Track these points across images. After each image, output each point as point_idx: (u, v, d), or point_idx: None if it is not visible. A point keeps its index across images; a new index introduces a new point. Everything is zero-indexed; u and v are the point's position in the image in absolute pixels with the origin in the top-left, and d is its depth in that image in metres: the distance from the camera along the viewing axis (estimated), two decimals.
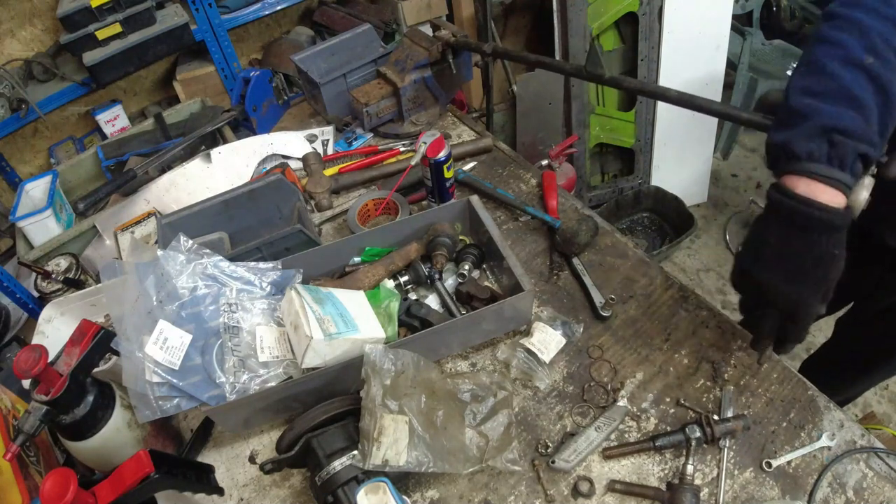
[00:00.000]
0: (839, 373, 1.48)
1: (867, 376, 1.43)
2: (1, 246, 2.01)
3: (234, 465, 1.03)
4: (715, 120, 2.64)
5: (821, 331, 2.27)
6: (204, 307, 1.06)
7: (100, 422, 0.94)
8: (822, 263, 0.71)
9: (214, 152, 1.58)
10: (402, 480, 0.94)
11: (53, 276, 1.38)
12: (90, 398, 0.92)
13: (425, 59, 1.57)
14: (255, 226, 1.38)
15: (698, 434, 0.92)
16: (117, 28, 1.84)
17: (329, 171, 1.56)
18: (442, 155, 1.28)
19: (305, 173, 1.51)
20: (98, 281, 1.38)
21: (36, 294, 1.44)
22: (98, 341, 0.93)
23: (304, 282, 1.14)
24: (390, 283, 1.19)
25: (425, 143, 1.29)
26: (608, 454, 0.95)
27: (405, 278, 1.21)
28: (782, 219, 0.72)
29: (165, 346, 0.99)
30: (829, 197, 0.69)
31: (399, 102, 1.63)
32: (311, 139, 1.73)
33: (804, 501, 0.88)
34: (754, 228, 0.77)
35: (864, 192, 0.72)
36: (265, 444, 1.05)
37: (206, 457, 1.04)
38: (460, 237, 1.27)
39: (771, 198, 0.74)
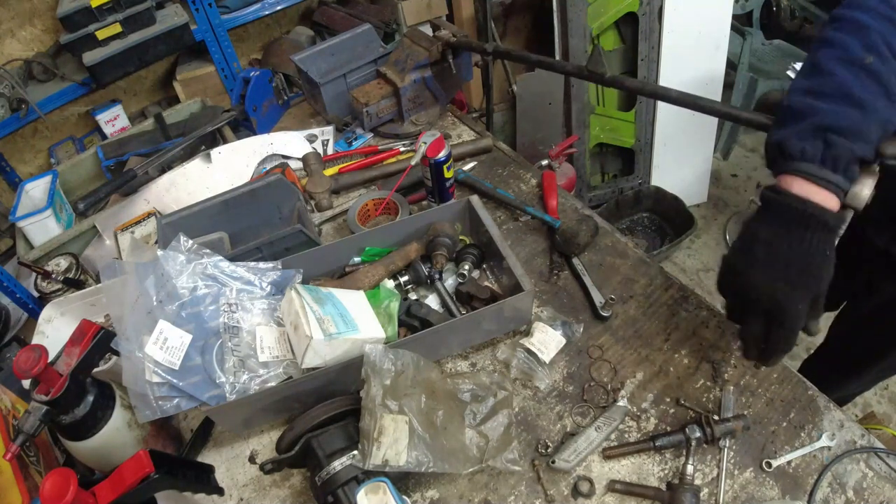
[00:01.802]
0: (833, 371, 1.49)
1: (858, 375, 1.45)
2: (1, 246, 2.01)
3: (234, 465, 1.03)
4: (715, 120, 2.64)
5: (821, 331, 2.27)
6: (204, 307, 1.06)
7: (100, 422, 0.94)
8: (812, 263, 0.69)
9: (214, 152, 1.58)
10: (402, 480, 0.94)
11: (53, 276, 1.38)
12: (90, 398, 0.92)
13: (425, 59, 1.57)
14: (255, 226, 1.38)
15: (698, 434, 0.92)
16: (117, 28, 1.84)
17: (329, 171, 1.56)
18: (442, 155, 1.28)
19: (305, 173, 1.51)
20: (98, 281, 1.38)
21: (36, 294, 1.44)
22: (98, 341, 0.93)
23: (304, 282, 1.14)
24: (390, 283, 1.19)
25: (425, 143, 1.29)
26: (608, 454, 0.95)
27: (405, 278, 1.21)
28: (775, 216, 0.72)
29: (165, 346, 0.99)
30: (823, 198, 0.69)
31: (399, 102, 1.63)
32: (311, 139, 1.73)
33: (804, 501, 0.88)
34: (746, 227, 0.76)
35: (866, 189, 0.71)
36: (265, 444, 1.05)
37: (206, 457, 1.04)
38: (460, 237, 1.27)
39: (764, 196, 0.74)
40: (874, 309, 1.27)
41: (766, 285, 0.72)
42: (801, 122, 0.71)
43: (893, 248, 1.10)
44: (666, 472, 0.93)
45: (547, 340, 1.08)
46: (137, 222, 1.46)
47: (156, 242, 1.32)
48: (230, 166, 1.59)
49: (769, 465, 0.92)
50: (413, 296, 1.22)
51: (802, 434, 0.96)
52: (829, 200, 0.69)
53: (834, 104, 0.70)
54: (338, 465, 0.84)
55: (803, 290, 0.70)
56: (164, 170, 1.65)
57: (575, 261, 1.25)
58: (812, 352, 1.70)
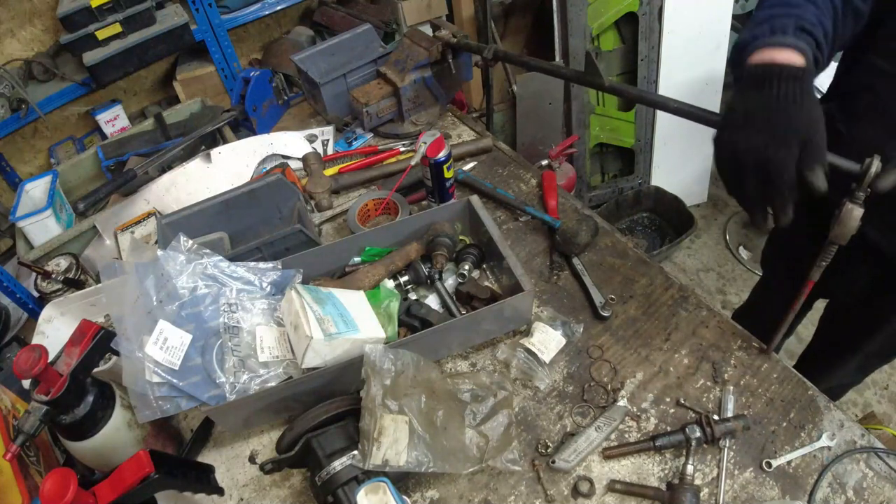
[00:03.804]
0: (819, 361, 1.54)
1: (842, 363, 1.48)
2: (1, 246, 2.01)
3: (234, 465, 1.03)
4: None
5: (814, 325, 2.28)
6: (204, 307, 1.07)
7: (100, 422, 0.94)
8: (785, 110, 0.72)
9: (214, 152, 1.58)
10: (402, 480, 0.94)
11: (53, 276, 1.38)
12: (90, 398, 0.92)
13: (425, 59, 1.57)
14: (255, 226, 1.38)
15: (698, 434, 0.92)
16: (117, 28, 1.84)
17: (329, 171, 1.56)
18: (442, 155, 1.28)
19: (305, 173, 1.51)
20: (98, 281, 1.38)
21: (36, 294, 1.44)
22: (98, 341, 0.93)
23: (304, 282, 1.14)
24: (390, 283, 1.19)
25: (425, 143, 1.29)
26: (608, 454, 0.95)
27: (405, 278, 1.21)
28: (745, 87, 0.76)
29: (165, 346, 0.99)
30: (784, 56, 0.74)
31: (399, 102, 1.63)
32: (311, 139, 1.73)
33: (804, 501, 0.88)
34: (726, 106, 0.79)
35: (853, 223, 0.75)
36: (265, 444, 1.05)
37: (206, 457, 1.04)
38: (460, 237, 1.27)
39: (735, 77, 0.82)
40: (854, 295, 1.31)
41: (747, 145, 0.73)
42: (746, 27, 0.82)
43: (869, 233, 1.08)
44: (666, 472, 0.93)
45: (547, 340, 1.08)
46: (137, 222, 1.46)
47: (156, 242, 1.32)
48: (230, 166, 1.59)
49: (769, 465, 0.92)
50: (413, 296, 1.22)
51: (802, 434, 0.96)
52: (791, 57, 0.74)
53: (769, 9, 0.81)
54: (338, 465, 0.84)
55: (781, 137, 0.71)
56: (164, 170, 1.65)
57: (575, 261, 1.25)
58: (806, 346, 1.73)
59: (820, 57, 0.79)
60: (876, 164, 0.72)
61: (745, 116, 0.74)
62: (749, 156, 0.73)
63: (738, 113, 0.75)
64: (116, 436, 0.96)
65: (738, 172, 0.75)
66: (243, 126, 1.87)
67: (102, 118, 2.11)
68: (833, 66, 1.02)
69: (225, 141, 1.75)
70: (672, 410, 1.01)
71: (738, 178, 0.75)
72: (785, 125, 0.71)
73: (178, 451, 1.04)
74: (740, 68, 0.79)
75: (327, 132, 1.75)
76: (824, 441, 0.94)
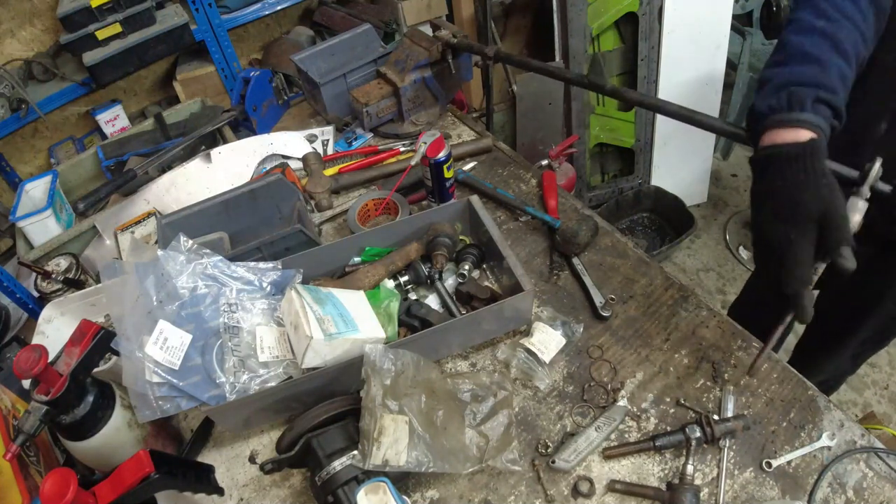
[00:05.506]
0: (814, 351, 1.55)
1: (838, 351, 1.48)
2: (1, 246, 2.01)
3: (234, 465, 1.03)
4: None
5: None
6: (204, 307, 1.07)
7: (100, 422, 0.94)
8: (791, 193, 0.73)
9: (214, 152, 1.58)
10: (402, 480, 0.94)
11: (53, 276, 1.38)
12: (90, 398, 0.92)
13: (425, 59, 1.57)
14: (255, 226, 1.38)
15: (698, 434, 0.92)
16: (117, 28, 1.84)
17: (329, 171, 1.56)
18: (442, 155, 1.28)
19: (305, 173, 1.51)
20: (98, 281, 1.38)
21: (36, 294, 1.44)
22: (98, 341, 0.93)
23: (304, 282, 1.14)
24: (390, 283, 1.19)
25: (425, 143, 1.29)
26: (608, 454, 0.95)
27: (405, 278, 1.21)
28: (760, 174, 0.79)
29: (165, 346, 0.99)
30: (791, 136, 0.75)
31: (399, 102, 1.63)
32: (311, 139, 1.73)
33: (804, 501, 0.88)
34: (751, 195, 0.82)
35: (857, 215, 0.75)
36: (265, 444, 1.05)
37: (206, 457, 1.04)
38: (460, 237, 1.27)
39: (750, 162, 0.81)
40: (848, 281, 1.31)
41: (765, 226, 0.76)
42: (766, 87, 0.81)
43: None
44: (666, 472, 0.93)
45: (547, 340, 1.08)
46: (137, 222, 1.46)
47: (156, 242, 1.32)
48: (230, 166, 1.59)
49: (769, 465, 0.92)
50: (413, 296, 1.22)
51: (802, 434, 0.96)
52: (798, 136, 0.74)
53: (792, 65, 0.80)
54: (338, 465, 0.84)
55: (793, 220, 0.73)
56: (164, 170, 1.65)
57: (575, 261, 1.25)
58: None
59: (837, 123, 0.79)
60: (876, 168, 0.73)
61: (762, 200, 0.78)
62: (767, 236, 0.76)
63: (757, 196, 0.79)
64: (116, 436, 0.96)
65: (765, 260, 0.79)
66: (243, 126, 1.87)
67: (102, 118, 2.11)
68: None
69: (225, 141, 1.76)
70: (672, 410, 1.01)
71: (764, 266, 0.80)
72: (791, 211, 0.72)
73: (178, 451, 1.04)
74: (755, 139, 0.81)
75: (327, 132, 1.75)
76: (824, 441, 0.94)
